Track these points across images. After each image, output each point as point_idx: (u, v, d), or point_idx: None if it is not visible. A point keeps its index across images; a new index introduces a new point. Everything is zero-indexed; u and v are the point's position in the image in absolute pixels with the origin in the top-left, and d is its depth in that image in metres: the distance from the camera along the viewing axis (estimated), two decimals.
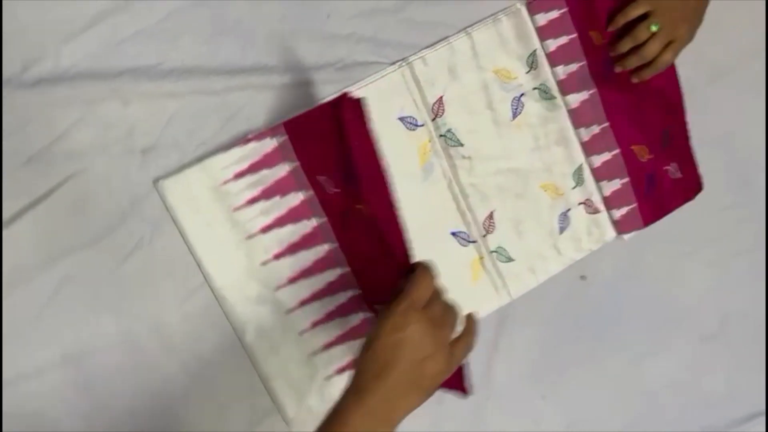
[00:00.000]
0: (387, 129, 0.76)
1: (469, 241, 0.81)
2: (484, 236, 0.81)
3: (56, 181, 0.68)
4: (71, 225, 0.68)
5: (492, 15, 0.79)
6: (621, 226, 0.86)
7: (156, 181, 0.70)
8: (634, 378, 0.88)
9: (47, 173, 0.68)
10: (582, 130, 0.84)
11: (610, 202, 0.86)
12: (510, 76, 0.80)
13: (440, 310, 0.59)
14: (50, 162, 0.68)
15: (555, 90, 0.82)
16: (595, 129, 0.84)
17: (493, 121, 0.81)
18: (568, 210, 0.84)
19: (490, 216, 0.81)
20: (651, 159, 0.85)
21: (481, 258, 0.81)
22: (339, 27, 0.74)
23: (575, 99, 0.83)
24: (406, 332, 0.56)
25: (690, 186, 0.88)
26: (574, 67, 0.82)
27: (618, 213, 0.86)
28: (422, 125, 0.78)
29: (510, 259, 0.82)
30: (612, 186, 0.85)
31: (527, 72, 0.81)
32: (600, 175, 0.85)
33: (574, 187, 0.84)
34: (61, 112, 0.68)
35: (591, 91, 0.83)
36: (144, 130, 0.70)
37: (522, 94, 0.81)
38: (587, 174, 0.85)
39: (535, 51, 0.81)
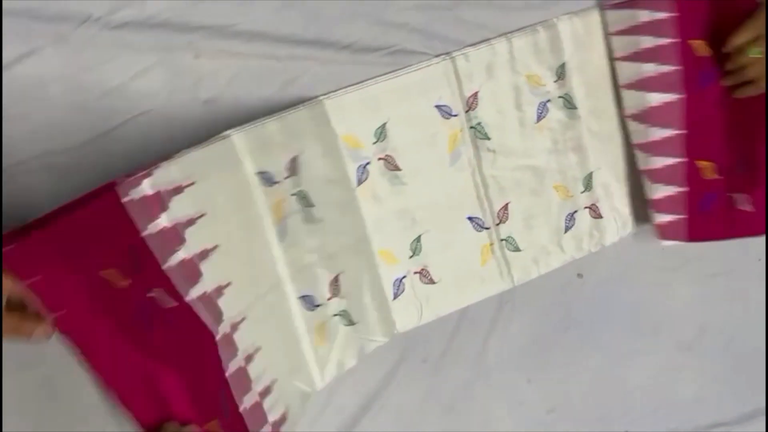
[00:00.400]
0: (423, 114, 0.84)
1: (483, 228, 0.89)
2: (497, 225, 0.89)
3: (124, 118, 0.75)
4: (131, 159, 0.75)
5: (531, 25, 0.87)
6: (663, 232, 0.92)
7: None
8: (613, 374, 0.96)
9: (117, 109, 0.75)
10: (654, 129, 0.88)
11: (657, 206, 0.91)
12: (540, 83, 0.88)
13: None
14: (121, 99, 0.75)
15: (577, 101, 0.89)
16: (668, 132, 0.87)
17: (519, 120, 0.88)
18: (575, 212, 0.92)
19: (505, 207, 0.89)
20: (716, 180, 0.88)
21: (491, 244, 0.89)
22: (395, 16, 0.82)
23: (658, 98, 0.86)
24: None
25: (755, 222, 0.87)
26: (666, 68, 0.85)
27: (663, 218, 0.91)
28: (456, 115, 0.86)
29: (517, 249, 0.90)
30: (666, 191, 0.90)
31: (555, 81, 0.89)
32: (655, 177, 0.90)
33: (582, 192, 0.92)
34: (138, 56, 0.74)
35: (679, 96, 0.85)
36: (209, 83, 0.77)
37: (548, 100, 0.89)
38: (596, 181, 0.92)
39: (564, 63, 0.88)
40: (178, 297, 0.67)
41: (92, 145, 0.74)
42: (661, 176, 0.90)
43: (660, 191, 0.91)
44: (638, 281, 0.97)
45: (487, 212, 0.88)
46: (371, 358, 0.86)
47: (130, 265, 0.63)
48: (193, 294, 0.68)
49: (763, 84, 0.82)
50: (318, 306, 0.83)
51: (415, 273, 0.87)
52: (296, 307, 0.82)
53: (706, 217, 0.90)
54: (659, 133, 0.88)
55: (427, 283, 0.87)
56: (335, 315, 0.84)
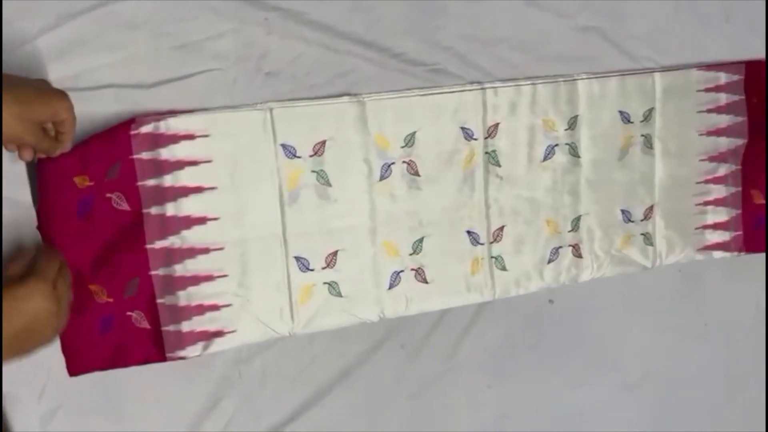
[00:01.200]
0: (449, 132, 0.95)
1: (479, 243, 0.98)
2: (491, 243, 0.99)
3: (194, 70, 0.84)
4: (192, 108, 0.84)
5: (555, 76, 0.99)
6: (722, 246, 1.10)
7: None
8: (563, 397, 1.06)
9: (189, 62, 0.84)
10: (720, 165, 1.08)
11: (719, 227, 1.10)
12: (553, 128, 0.99)
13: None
14: (196, 53, 0.84)
15: (581, 150, 1.01)
16: (730, 168, 1.08)
17: (528, 156, 0.99)
18: (560, 247, 1.02)
19: (501, 229, 0.99)
20: (762, 204, 1.10)
21: (483, 259, 0.99)
22: (443, 39, 0.93)
23: (726, 143, 1.08)
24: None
25: None
26: (737, 119, 1.07)
27: (724, 235, 1.10)
28: (476, 139, 0.96)
29: (504, 269, 1.00)
30: (726, 214, 1.10)
31: (565, 129, 1.00)
32: (717, 203, 1.09)
33: (569, 231, 1.03)
34: (218, 20, 0.84)
35: (742, 141, 1.08)
36: (274, 58, 0.87)
37: (556, 144, 1.00)
38: (583, 224, 1.03)
39: (577, 116, 1.00)
40: (134, 205, 0.82)
41: (160, 88, 0.83)
42: (720, 202, 1.09)
43: (722, 215, 1.09)
44: (602, 317, 1.07)
45: (484, 230, 0.98)
46: (355, 333, 0.95)
47: (103, 173, 0.80)
48: (154, 210, 0.83)
49: None
50: (311, 270, 0.92)
51: (412, 270, 0.96)
52: (289, 264, 0.91)
53: (759, 234, 1.11)
54: (724, 169, 1.09)
55: (421, 282, 0.96)
56: (325, 283, 0.92)
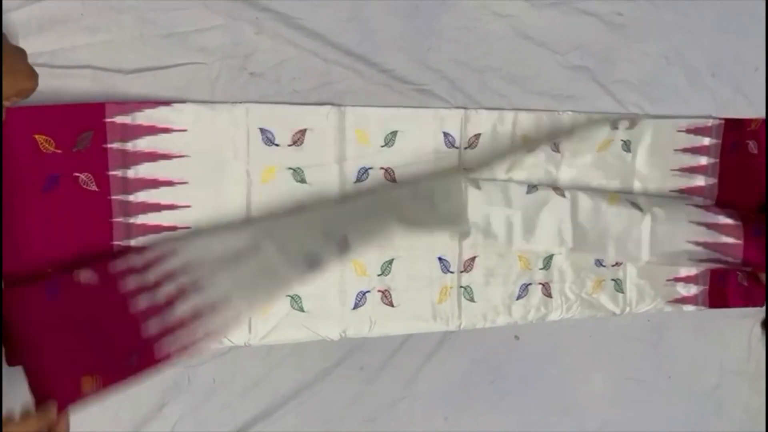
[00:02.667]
0: (431, 137, 0.93)
1: (449, 271, 0.97)
2: (461, 272, 0.97)
3: (177, 62, 0.82)
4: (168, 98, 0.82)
5: (539, 110, 0.98)
6: (691, 300, 1.09)
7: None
8: None
9: (173, 52, 0.82)
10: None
11: (690, 280, 1.08)
12: (534, 160, 0.98)
13: None
14: (181, 44, 0.82)
15: (557, 179, 1.00)
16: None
17: (504, 185, 0.97)
18: (530, 284, 1.01)
19: (472, 259, 0.98)
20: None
21: (451, 288, 0.97)
22: (434, 62, 0.93)
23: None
24: None
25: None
26: (710, 180, 1.08)
27: (692, 289, 1.09)
28: (457, 148, 0.95)
29: (472, 300, 0.98)
30: (696, 269, 1.08)
31: (548, 150, 0.98)
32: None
33: (540, 269, 1.01)
34: (208, 13, 0.83)
35: (710, 202, 1.08)
36: (260, 59, 0.85)
37: (536, 187, 0.98)
38: (554, 264, 1.01)
39: (558, 142, 0.98)
40: (103, 189, 0.80)
41: (140, 75, 0.81)
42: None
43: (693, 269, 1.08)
44: (566, 359, 1.05)
45: (456, 258, 0.97)
46: (314, 350, 0.92)
47: (71, 142, 0.77)
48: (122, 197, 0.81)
49: None
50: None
51: (379, 291, 0.94)
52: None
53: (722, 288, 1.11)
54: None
55: (387, 305, 0.94)
56: (288, 296, 0.90)
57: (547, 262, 1.01)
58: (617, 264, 1.05)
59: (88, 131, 0.78)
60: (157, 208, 0.82)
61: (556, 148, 0.98)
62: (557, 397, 1.05)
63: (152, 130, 0.81)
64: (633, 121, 1.03)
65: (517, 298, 1.00)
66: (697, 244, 1.01)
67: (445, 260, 0.96)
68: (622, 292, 1.05)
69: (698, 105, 1.07)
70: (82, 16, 0.78)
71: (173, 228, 0.83)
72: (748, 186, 1.10)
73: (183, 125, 0.82)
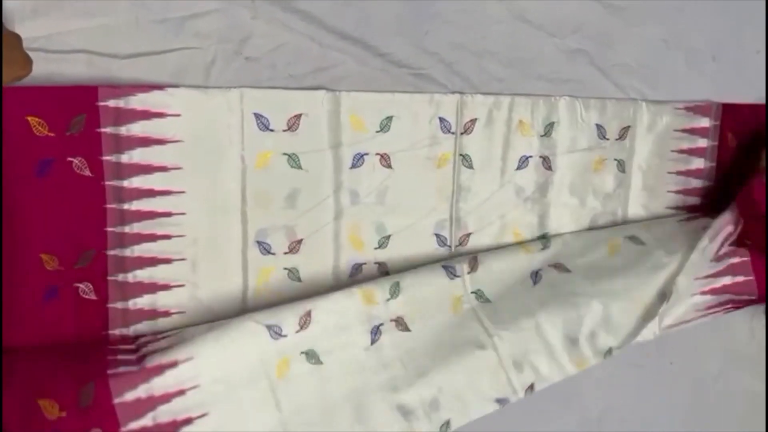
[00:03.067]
0: (426, 121, 0.93)
1: (445, 245, 0.97)
2: (457, 246, 0.97)
3: (171, 47, 0.82)
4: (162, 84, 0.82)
5: (535, 95, 0.97)
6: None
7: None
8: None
9: (169, 37, 0.82)
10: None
11: None
12: (528, 133, 0.98)
13: None
14: (177, 29, 0.82)
15: (553, 164, 1.00)
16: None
17: (501, 170, 0.98)
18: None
19: (467, 236, 0.98)
20: None
21: (451, 258, 0.96)
22: (431, 45, 0.92)
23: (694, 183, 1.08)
24: None
25: None
26: (708, 164, 1.08)
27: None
28: (453, 133, 0.94)
29: (475, 270, 0.96)
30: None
31: (541, 136, 0.98)
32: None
33: (542, 249, 1.00)
34: None
35: (710, 184, 1.08)
36: (256, 43, 0.85)
37: (530, 156, 0.98)
38: (553, 243, 1.01)
39: (553, 123, 0.98)
40: (97, 173, 0.80)
41: (135, 60, 0.81)
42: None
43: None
44: None
45: (452, 235, 0.97)
46: None
47: (65, 125, 0.77)
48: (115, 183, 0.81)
49: None
50: (271, 254, 0.89)
51: (375, 264, 0.94)
52: (250, 246, 0.88)
53: None
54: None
55: (383, 274, 0.94)
56: (285, 268, 0.90)
57: (546, 242, 1.01)
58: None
59: (80, 115, 0.78)
60: (152, 193, 0.82)
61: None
62: (557, 384, 1.05)
63: (146, 115, 0.81)
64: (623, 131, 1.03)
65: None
66: (704, 293, 0.98)
67: (441, 236, 0.97)
68: None
69: (698, 89, 1.06)
70: (77, 1, 0.78)
71: (168, 214, 0.83)
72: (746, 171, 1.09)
73: (177, 110, 0.82)
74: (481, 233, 0.98)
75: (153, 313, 0.84)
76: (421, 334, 0.89)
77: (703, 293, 0.97)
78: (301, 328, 0.83)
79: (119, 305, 0.82)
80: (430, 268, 0.93)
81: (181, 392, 0.75)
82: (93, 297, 0.81)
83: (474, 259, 0.95)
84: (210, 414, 0.76)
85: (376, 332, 0.88)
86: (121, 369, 0.74)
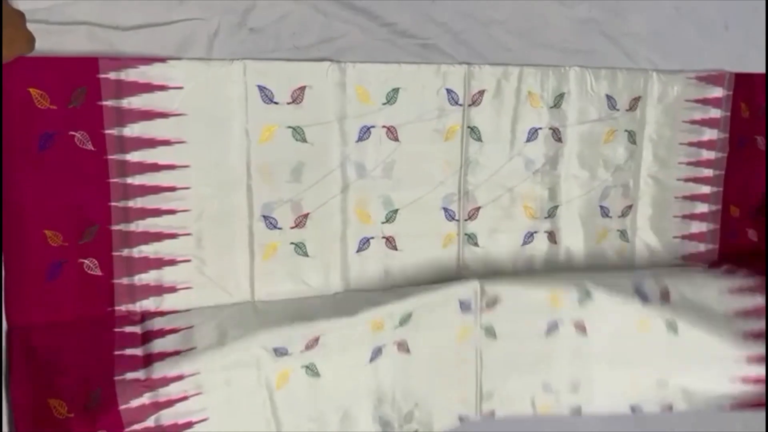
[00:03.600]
0: (433, 94, 0.91)
1: (453, 219, 0.96)
2: (465, 221, 0.96)
3: (176, 18, 0.81)
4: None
5: (544, 65, 0.95)
6: (699, 257, 1.07)
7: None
8: None
9: (172, 8, 0.81)
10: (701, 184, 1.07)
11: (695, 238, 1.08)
12: (537, 104, 0.96)
13: None
14: (179, 1, 0.81)
15: (563, 135, 0.98)
16: (712, 189, 1.07)
17: (510, 142, 0.96)
18: (535, 232, 1.00)
19: (477, 210, 0.97)
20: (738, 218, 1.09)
21: (457, 235, 0.96)
22: (439, 14, 0.90)
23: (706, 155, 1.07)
24: None
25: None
26: (721, 135, 1.06)
27: (699, 246, 1.08)
28: (460, 105, 0.93)
29: (476, 245, 0.97)
30: (705, 227, 1.07)
31: (551, 107, 0.97)
32: (698, 218, 1.07)
33: (546, 217, 1.00)
34: None
35: (722, 155, 1.06)
36: (260, 14, 0.84)
37: (539, 128, 0.97)
38: (559, 213, 1.01)
39: (563, 94, 0.97)
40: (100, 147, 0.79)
41: (137, 32, 0.80)
42: (702, 218, 1.06)
43: (699, 228, 1.06)
44: None
45: (461, 209, 0.96)
46: None
47: (66, 98, 0.76)
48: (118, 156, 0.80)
49: None
50: (278, 228, 0.89)
51: (383, 238, 0.93)
52: (255, 221, 0.87)
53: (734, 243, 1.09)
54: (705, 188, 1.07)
55: (391, 249, 0.94)
56: (292, 243, 0.89)
57: (552, 211, 1.00)
58: (623, 215, 1.04)
59: (82, 87, 0.76)
60: (156, 168, 0.82)
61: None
62: None
63: (147, 88, 0.79)
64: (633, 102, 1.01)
65: (523, 245, 1.00)
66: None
67: (450, 210, 0.96)
68: (627, 241, 1.05)
69: (710, 58, 1.04)
70: None
71: (172, 188, 0.83)
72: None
73: (179, 83, 0.81)
74: (490, 207, 0.97)
75: (159, 289, 0.84)
76: (419, 356, 0.92)
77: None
78: (307, 349, 0.84)
79: (125, 281, 0.82)
80: (444, 298, 0.91)
81: (185, 398, 0.79)
82: (98, 273, 0.81)
83: (494, 298, 0.93)
84: (210, 419, 0.80)
85: (377, 352, 0.89)
86: (128, 376, 0.77)
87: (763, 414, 1.07)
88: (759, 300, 0.97)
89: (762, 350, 0.95)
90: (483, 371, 0.94)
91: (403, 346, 0.91)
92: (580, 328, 0.95)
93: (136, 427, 0.76)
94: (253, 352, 0.81)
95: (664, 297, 0.95)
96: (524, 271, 1.00)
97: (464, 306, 0.92)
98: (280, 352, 0.83)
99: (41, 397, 0.76)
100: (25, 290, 0.78)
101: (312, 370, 0.86)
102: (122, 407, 0.75)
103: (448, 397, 0.94)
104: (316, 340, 0.84)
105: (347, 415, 0.88)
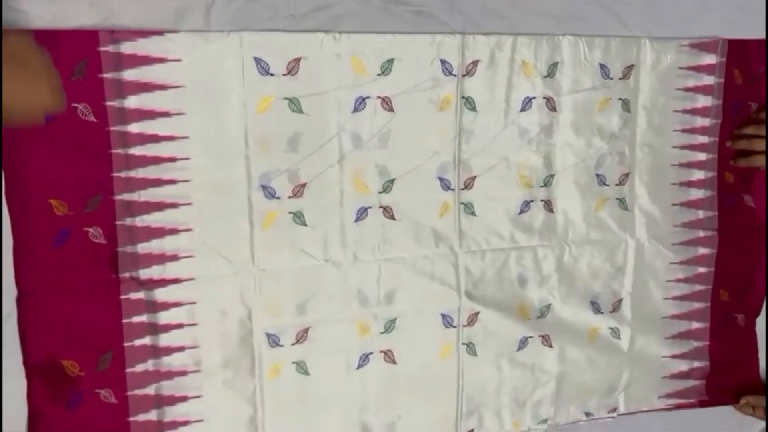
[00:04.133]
0: (428, 64, 0.92)
1: (449, 188, 0.97)
2: (462, 190, 0.98)
3: None
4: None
5: (538, 34, 0.96)
6: (699, 224, 1.10)
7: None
8: None
9: None
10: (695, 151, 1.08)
11: (696, 204, 1.10)
12: (531, 74, 0.97)
13: None
14: None
15: (558, 105, 0.99)
16: (707, 155, 1.08)
17: (504, 112, 0.97)
18: (532, 201, 1.01)
19: (473, 179, 0.98)
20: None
21: (454, 203, 0.98)
22: None
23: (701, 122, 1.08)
24: None
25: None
26: (715, 102, 1.07)
27: (697, 214, 1.10)
28: (455, 75, 0.94)
29: (473, 214, 0.99)
30: (703, 195, 1.10)
31: (544, 77, 0.98)
32: (695, 184, 1.09)
33: (542, 186, 1.02)
34: None
35: (717, 122, 1.08)
36: None
37: (533, 97, 0.98)
38: (555, 182, 1.02)
39: (556, 63, 0.98)
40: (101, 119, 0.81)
41: (137, 3, 0.81)
42: (699, 185, 1.09)
43: (697, 195, 1.09)
44: None
45: (457, 178, 0.97)
46: None
47: (69, 71, 0.79)
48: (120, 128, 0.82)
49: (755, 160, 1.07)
50: (276, 198, 0.90)
51: (380, 208, 0.95)
52: (254, 191, 0.89)
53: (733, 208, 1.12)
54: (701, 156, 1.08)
55: (389, 218, 0.95)
56: (290, 212, 0.91)
57: (548, 179, 1.02)
58: (621, 183, 1.05)
59: (83, 60, 0.78)
60: (156, 139, 0.83)
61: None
62: None
63: (146, 60, 0.81)
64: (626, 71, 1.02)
65: (519, 213, 1.01)
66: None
67: (445, 179, 0.97)
68: (627, 210, 1.06)
69: (704, 25, 1.04)
70: None
71: (173, 159, 0.85)
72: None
73: (177, 55, 0.82)
74: (486, 176, 0.99)
75: (162, 257, 0.86)
76: (405, 369, 0.99)
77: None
78: (297, 341, 0.93)
79: (128, 249, 0.84)
80: (429, 311, 0.99)
81: (184, 373, 0.89)
82: (103, 241, 0.83)
83: (475, 315, 1.00)
84: (204, 397, 0.91)
85: (364, 359, 0.96)
86: (137, 342, 0.86)
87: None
88: None
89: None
90: (463, 398, 1.02)
91: (389, 356, 0.97)
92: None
93: (137, 392, 0.86)
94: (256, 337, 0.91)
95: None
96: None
97: (447, 321, 0.99)
98: (273, 339, 0.91)
99: (54, 358, 0.82)
100: (33, 257, 0.80)
101: (302, 368, 0.93)
102: (128, 370, 0.84)
103: (427, 414, 1.01)
104: (306, 331, 0.93)
105: (329, 420, 0.97)
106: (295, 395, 0.94)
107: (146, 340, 0.86)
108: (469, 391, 1.02)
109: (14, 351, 0.81)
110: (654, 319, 1.10)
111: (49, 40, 0.76)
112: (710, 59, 1.05)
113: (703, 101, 1.06)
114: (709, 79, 1.06)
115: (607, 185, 1.04)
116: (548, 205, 1.02)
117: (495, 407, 1.04)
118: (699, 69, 1.05)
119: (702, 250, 1.10)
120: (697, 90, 1.06)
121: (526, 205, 1.01)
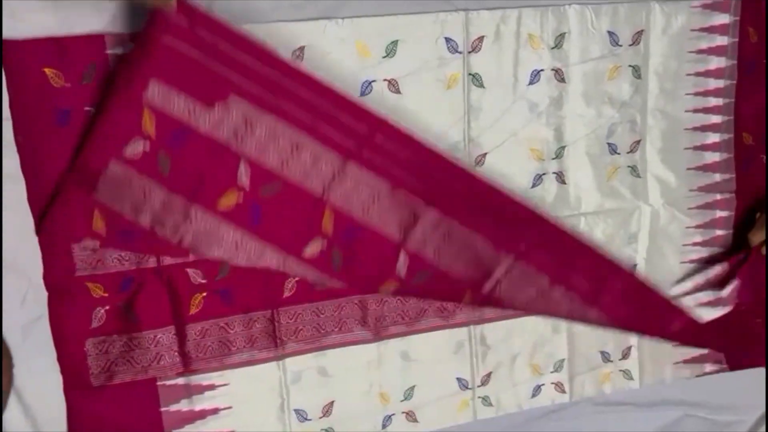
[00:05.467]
0: (432, 43, 0.93)
1: None
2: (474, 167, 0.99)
3: None
4: None
5: (542, 5, 0.96)
6: (716, 188, 1.10)
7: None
8: None
9: None
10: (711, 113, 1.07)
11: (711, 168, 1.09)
12: (538, 46, 0.97)
13: None
14: None
15: (566, 76, 0.99)
16: (723, 118, 1.07)
17: (513, 86, 0.97)
18: (544, 174, 1.02)
19: (483, 156, 0.99)
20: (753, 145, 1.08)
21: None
22: None
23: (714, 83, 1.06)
24: None
25: None
26: (729, 62, 1.05)
27: (715, 177, 1.09)
28: (460, 53, 0.94)
29: None
30: (719, 157, 1.08)
31: (552, 48, 0.97)
32: (710, 148, 1.08)
33: (553, 158, 1.02)
34: None
35: (731, 83, 1.06)
36: None
37: (541, 70, 0.98)
38: (566, 153, 1.02)
39: (563, 34, 0.97)
40: None
41: None
42: (714, 148, 1.08)
43: (713, 158, 1.08)
44: None
45: (469, 156, 0.97)
46: None
47: (79, 75, 0.80)
48: None
49: None
50: None
51: None
52: None
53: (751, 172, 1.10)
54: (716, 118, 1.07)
55: None
56: None
57: (559, 151, 1.02)
58: (632, 150, 1.05)
59: (92, 63, 0.80)
60: None
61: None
62: None
63: None
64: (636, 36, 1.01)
65: (532, 187, 1.02)
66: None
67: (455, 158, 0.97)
68: (639, 177, 1.05)
69: None
70: None
71: None
72: None
73: None
74: (496, 152, 0.99)
75: None
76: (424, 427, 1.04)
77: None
78: (324, 415, 0.99)
79: None
80: (446, 375, 1.03)
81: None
82: None
83: (488, 375, 1.04)
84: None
85: (387, 420, 1.01)
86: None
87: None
88: None
89: None
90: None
91: (411, 416, 1.02)
92: None
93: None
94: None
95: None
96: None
97: (463, 384, 1.04)
98: (301, 415, 0.98)
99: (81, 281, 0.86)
100: (57, 253, 0.84)
101: None
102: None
103: None
104: (331, 404, 0.99)
105: None
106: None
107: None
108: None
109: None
110: (669, 285, 1.09)
111: (56, 46, 0.78)
112: (723, 19, 1.03)
113: (717, 62, 1.05)
114: (722, 40, 1.04)
115: (618, 153, 1.04)
116: (560, 177, 1.03)
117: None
118: (711, 30, 1.03)
119: (720, 213, 1.10)
120: (710, 51, 1.04)
121: (538, 179, 1.02)
